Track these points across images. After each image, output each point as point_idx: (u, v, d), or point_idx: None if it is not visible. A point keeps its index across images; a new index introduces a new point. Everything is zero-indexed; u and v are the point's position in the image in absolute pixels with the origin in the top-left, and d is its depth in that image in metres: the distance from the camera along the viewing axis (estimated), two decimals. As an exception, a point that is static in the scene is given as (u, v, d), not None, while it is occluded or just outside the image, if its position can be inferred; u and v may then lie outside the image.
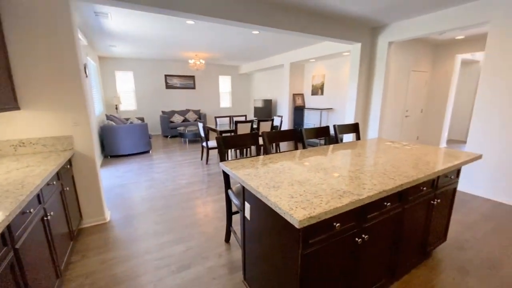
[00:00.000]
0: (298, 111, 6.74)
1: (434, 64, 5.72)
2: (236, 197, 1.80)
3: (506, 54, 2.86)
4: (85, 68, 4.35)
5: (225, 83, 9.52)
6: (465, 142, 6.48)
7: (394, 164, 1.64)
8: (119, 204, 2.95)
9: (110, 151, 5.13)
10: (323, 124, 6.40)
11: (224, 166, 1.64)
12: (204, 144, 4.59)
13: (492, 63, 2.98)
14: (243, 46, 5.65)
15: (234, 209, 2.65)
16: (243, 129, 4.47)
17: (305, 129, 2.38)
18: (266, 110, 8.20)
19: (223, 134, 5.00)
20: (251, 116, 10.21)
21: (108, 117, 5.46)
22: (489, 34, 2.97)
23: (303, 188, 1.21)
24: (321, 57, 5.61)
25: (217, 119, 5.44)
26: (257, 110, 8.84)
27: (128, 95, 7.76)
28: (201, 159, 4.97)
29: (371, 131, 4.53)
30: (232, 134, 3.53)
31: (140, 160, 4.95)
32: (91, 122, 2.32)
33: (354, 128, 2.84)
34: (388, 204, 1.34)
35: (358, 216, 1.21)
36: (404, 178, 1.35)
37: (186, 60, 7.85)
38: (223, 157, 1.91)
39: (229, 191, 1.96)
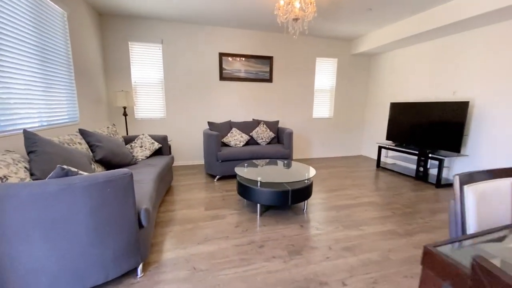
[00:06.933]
0: None
1: None
2: None
3: None
4: None
5: (324, 74, 5.13)
6: None
7: None
8: None
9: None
10: None
11: None
12: None
13: None
14: None
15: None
16: None
17: None
18: (444, 126, 3.46)
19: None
20: (379, 139, 5.53)
21: (31, 141, 1.67)
22: None
23: None
24: None
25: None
26: (398, 127, 4.15)
27: (151, 90, 4.14)
28: None
29: None
30: None
31: None
32: None
33: None
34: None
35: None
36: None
37: (264, 16, 3.81)
38: None
39: None
